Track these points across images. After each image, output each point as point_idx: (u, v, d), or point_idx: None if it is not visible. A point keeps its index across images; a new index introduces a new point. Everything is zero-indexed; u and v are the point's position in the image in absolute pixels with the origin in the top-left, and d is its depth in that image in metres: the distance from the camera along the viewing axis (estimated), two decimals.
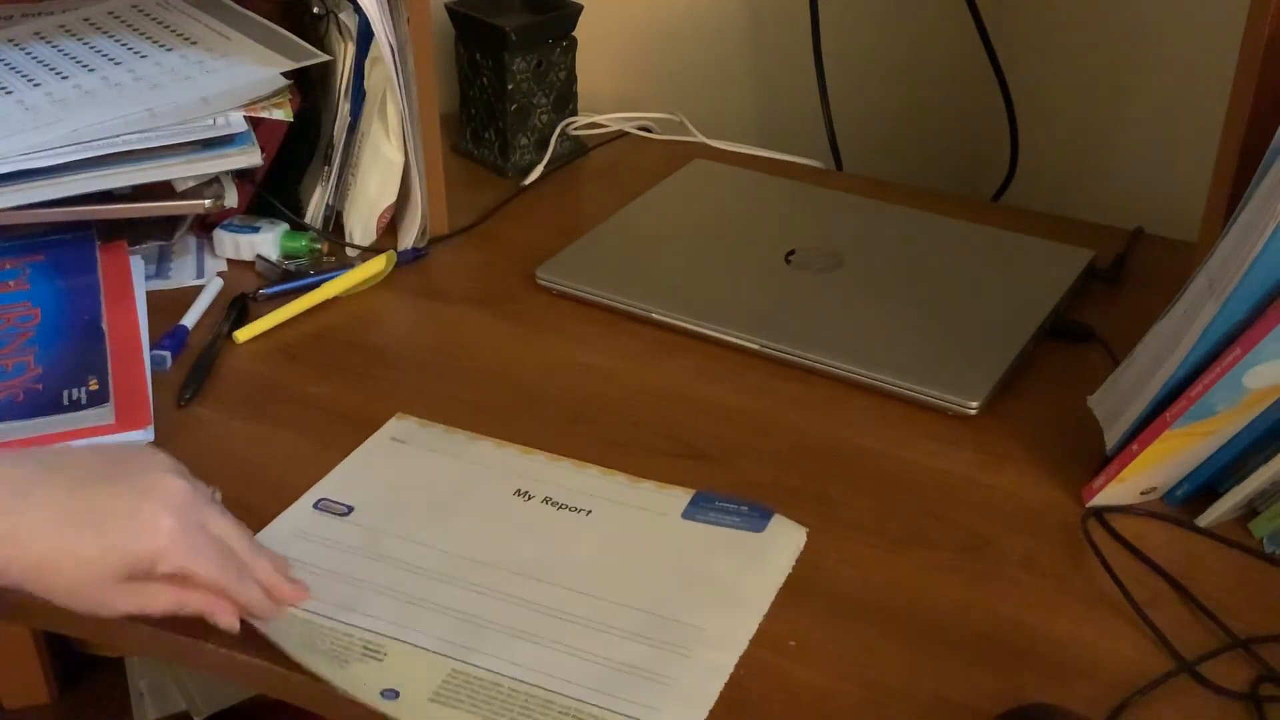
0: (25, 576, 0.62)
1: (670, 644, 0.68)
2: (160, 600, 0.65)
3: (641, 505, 0.78)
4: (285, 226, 1.05)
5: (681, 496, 0.78)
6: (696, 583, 0.72)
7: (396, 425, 0.85)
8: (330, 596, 0.71)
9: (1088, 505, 0.77)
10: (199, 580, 0.65)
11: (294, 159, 1.07)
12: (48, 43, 1.06)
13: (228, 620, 0.67)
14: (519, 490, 0.79)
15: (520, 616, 0.70)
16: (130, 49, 1.04)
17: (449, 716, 0.64)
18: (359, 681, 0.66)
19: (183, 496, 0.65)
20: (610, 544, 0.75)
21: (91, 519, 0.62)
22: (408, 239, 1.05)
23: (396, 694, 0.65)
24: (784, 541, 0.75)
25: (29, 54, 1.04)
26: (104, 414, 0.81)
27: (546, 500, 0.78)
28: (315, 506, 0.78)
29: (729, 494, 0.78)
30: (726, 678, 0.66)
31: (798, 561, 0.74)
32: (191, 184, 0.98)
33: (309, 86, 1.04)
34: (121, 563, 0.62)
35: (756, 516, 0.76)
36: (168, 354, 0.91)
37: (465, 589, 0.72)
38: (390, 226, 1.06)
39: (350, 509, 0.78)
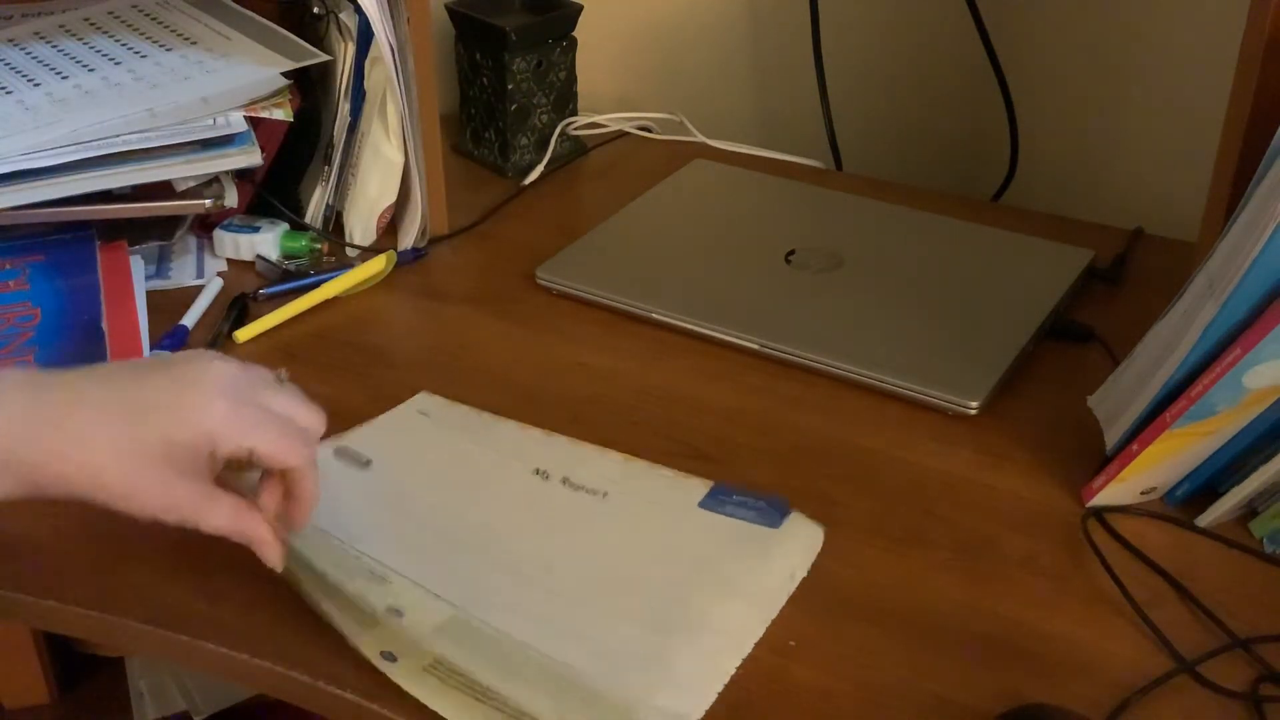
0: (88, 486, 0.61)
1: (673, 631, 0.68)
2: (217, 515, 0.63)
3: (659, 493, 0.78)
4: (285, 226, 1.05)
5: (700, 487, 0.78)
6: (705, 573, 0.72)
7: (424, 399, 0.86)
8: (343, 527, 0.72)
9: (1088, 505, 0.77)
10: (263, 457, 0.63)
11: (294, 159, 1.07)
12: (48, 43, 1.06)
13: (274, 557, 0.66)
14: (538, 469, 0.79)
15: (522, 591, 0.70)
16: (130, 49, 1.04)
17: (440, 688, 0.64)
18: (363, 599, 0.67)
19: (232, 378, 0.62)
20: (622, 529, 0.75)
21: (141, 415, 0.60)
22: (408, 239, 1.05)
23: (394, 659, 0.65)
24: (799, 540, 0.74)
25: (29, 54, 1.04)
26: None
27: (564, 481, 0.78)
28: (335, 454, 0.79)
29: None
30: (732, 670, 0.66)
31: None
32: (191, 184, 0.98)
33: (309, 86, 1.04)
34: (177, 454, 0.61)
35: (774, 512, 0.76)
36: (168, 354, 0.91)
37: (473, 555, 0.72)
38: (390, 226, 1.06)
39: (369, 462, 0.79)
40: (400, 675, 0.64)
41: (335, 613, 0.67)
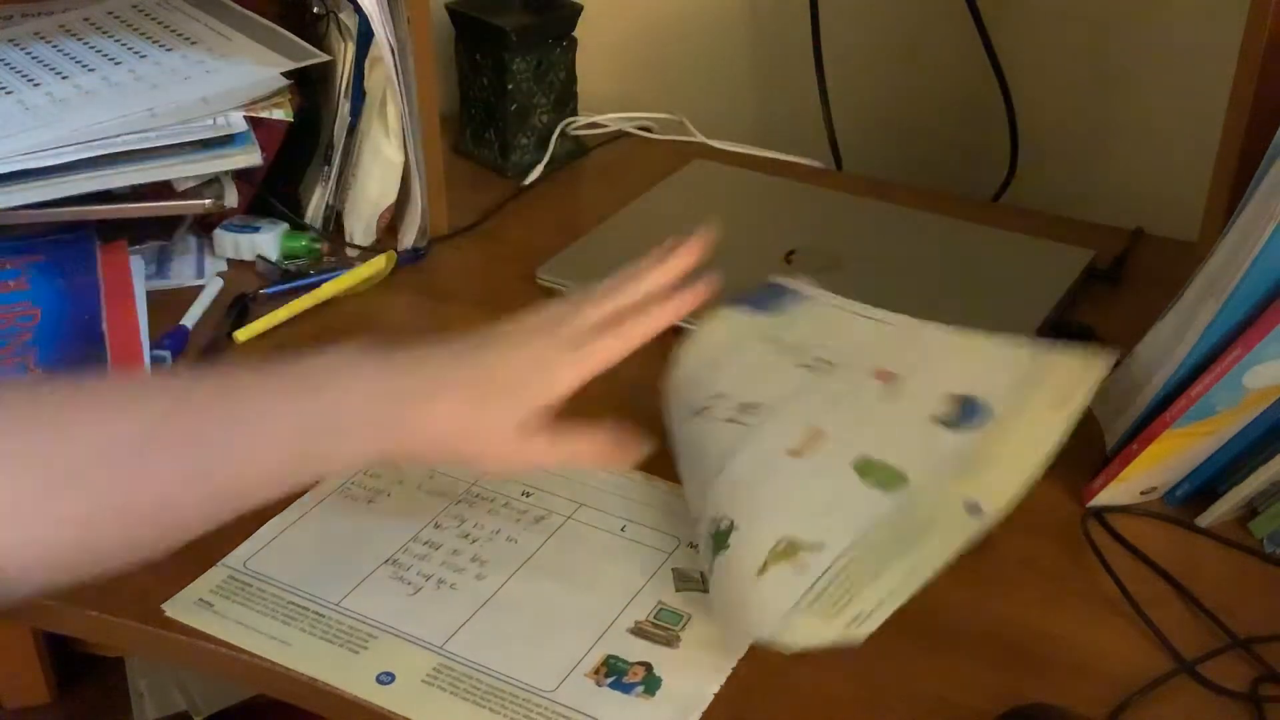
0: (439, 458, 0.72)
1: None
2: (554, 456, 0.69)
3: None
4: (285, 226, 1.05)
5: None
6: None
7: None
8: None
9: (1088, 505, 0.77)
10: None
11: (294, 159, 1.06)
12: (48, 43, 1.06)
13: (622, 460, 0.71)
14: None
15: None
16: (130, 49, 1.04)
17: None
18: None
19: (557, 342, 0.68)
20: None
21: (491, 397, 0.65)
22: (408, 239, 1.05)
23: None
24: None
25: (29, 54, 1.04)
26: None
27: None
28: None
29: None
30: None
31: None
32: (191, 184, 0.98)
33: (309, 86, 1.04)
34: (528, 423, 0.66)
35: None
36: (168, 354, 0.91)
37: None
38: (390, 226, 1.06)
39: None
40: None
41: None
